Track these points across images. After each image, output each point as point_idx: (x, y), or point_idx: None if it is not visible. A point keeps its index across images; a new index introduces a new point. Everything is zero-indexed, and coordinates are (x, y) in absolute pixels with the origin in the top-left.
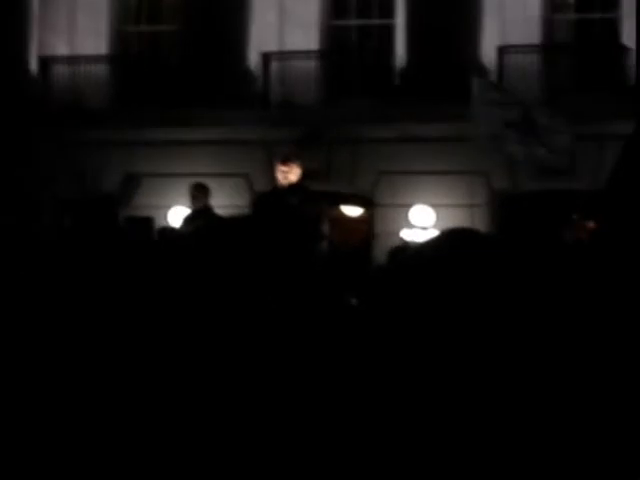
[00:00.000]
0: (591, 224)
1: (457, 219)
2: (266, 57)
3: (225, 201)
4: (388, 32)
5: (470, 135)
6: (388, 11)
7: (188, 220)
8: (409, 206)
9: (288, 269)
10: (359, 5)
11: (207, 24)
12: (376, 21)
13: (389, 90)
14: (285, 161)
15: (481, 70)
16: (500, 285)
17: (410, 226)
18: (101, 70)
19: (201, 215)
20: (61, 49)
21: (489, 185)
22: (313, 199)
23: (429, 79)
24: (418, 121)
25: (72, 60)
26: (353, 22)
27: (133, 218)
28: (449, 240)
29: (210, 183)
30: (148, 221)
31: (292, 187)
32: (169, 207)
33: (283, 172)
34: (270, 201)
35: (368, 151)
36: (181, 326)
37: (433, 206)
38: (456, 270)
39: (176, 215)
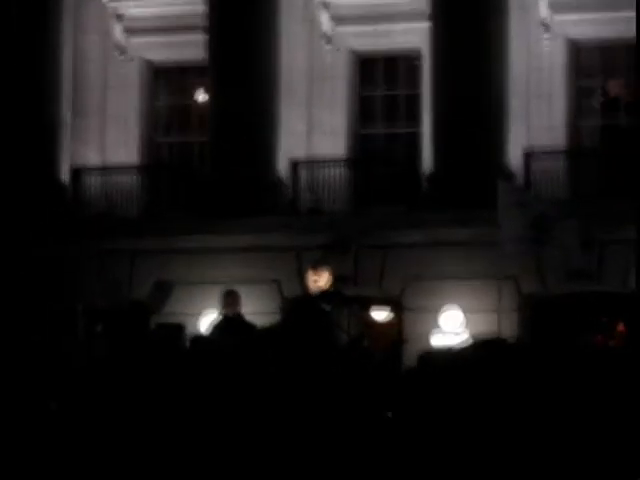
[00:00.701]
0: (621, 327)
1: (486, 323)
2: (295, 165)
3: (255, 307)
4: (415, 139)
5: (498, 239)
6: (414, 118)
7: (218, 327)
8: (438, 310)
9: (326, 381)
10: (385, 113)
11: (236, 134)
12: (403, 129)
13: (417, 196)
14: (315, 268)
15: (507, 175)
16: (525, 396)
17: (440, 330)
18: (132, 180)
19: (232, 322)
20: (93, 159)
21: (518, 289)
22: (345, 304)
23: (457, 184)
24: (446, 226)
25: (103, 170)
26: (380, 130)
27: (164, 325)
28: (478, 353)
29: (240, 289)
30: (179, 328)
31: (324, 293)
32: (200, 314)
33: (314, 279)
34: (303, 308)
35: (397, 256)
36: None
37: (462, 310)
38: (485, 389)
39: (207, 322)
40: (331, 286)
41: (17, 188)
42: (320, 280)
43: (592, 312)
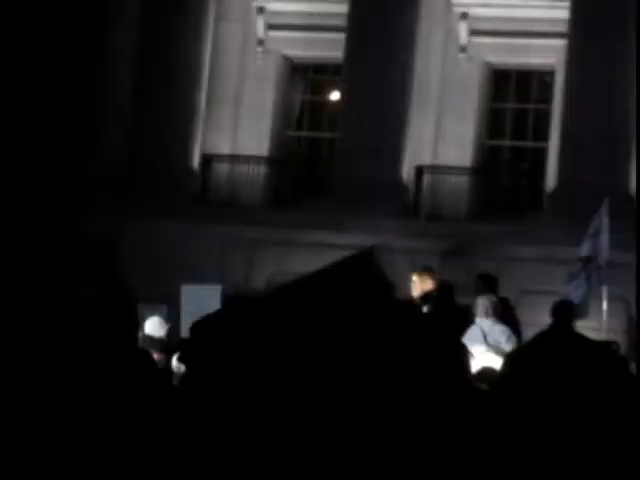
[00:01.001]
0: None
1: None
2: (420, 170)
3: None
4: (541, 154)
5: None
6: (542, 134)
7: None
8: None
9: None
10: (514, 127)
11: (365, 135)
12: (530, 143)
13: (537, 211)
14: (422, 272)
15: (628, 199)
16: None
17: None
18: (259, 170)
19: None
20: (224, 148)
21: (628, 310)
22: (444, 311)
23: (577, 203)
24: (562, 243)
25: (233, 159)
26: (507, 143)
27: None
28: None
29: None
30: None
31: (424, 297)
32: None
33: (419, 282)
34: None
35: (510, 269)
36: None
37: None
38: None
39: None
40: (433, 291)
41: (149, 170)
42: (422, 285)
43: None
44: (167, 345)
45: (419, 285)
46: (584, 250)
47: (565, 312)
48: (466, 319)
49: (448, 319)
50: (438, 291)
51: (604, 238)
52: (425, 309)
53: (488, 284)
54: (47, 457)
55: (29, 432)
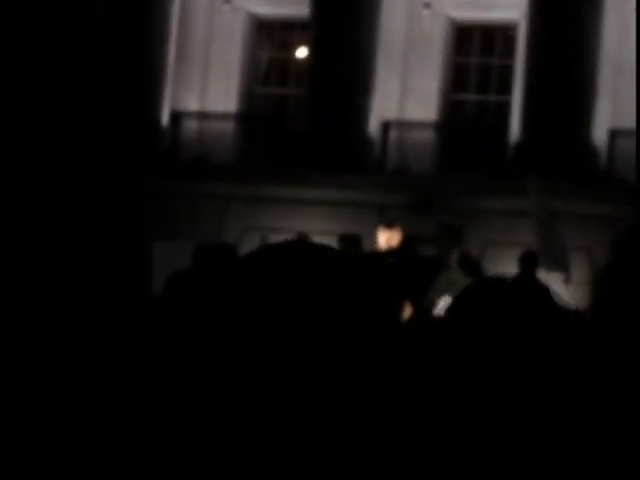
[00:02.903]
0: None
1: (558, 293)
2: (386, 125)
3: None
4: (505, 108)
5: (580, 211)
6: (506, 88)
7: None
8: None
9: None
10: (478, 81)
11: (332, 90)
12: (493, 97)
13: (502, 164)
14: (389, 225)
15: (591, 152)
16: None
17: None
18: (228, 127)
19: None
20: (192, 105)
21: (590, 261)
22: (416, 263)
23: (541, 156)
24: (528, 195)
25: (202, 116)
26: (471, 97)
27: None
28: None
29: (322, 241)
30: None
31: (392, 250)
32: None
33: (385, 236)
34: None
35: (477, 222)
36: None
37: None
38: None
39: None
40: (401, 244)
41: (117, 128)
42: (392, 238)
43: None
44: None
45: (387, 238)
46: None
47: (529, 262)
48: (433, 270)
49: (413, 270)
50: (402, 244)
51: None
52: (389, 260)
53: (451, 237)
54: (47, 457)
55: (29, 432)
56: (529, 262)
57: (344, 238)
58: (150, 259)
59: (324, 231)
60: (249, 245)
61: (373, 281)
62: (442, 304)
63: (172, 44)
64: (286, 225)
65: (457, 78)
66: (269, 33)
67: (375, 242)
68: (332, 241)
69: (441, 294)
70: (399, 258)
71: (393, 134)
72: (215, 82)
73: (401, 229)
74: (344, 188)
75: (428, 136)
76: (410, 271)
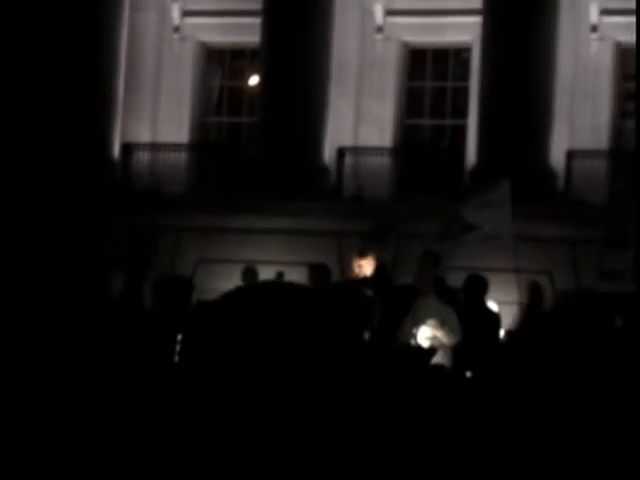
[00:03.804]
0: None
1: (522, 317)
2: (340, 152)
3: None
4: (460, 131)
5: (539, 235)
6: (461, 111)
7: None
8: None
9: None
10: (433, 105)
11: (285, 118)
12: (449, 121)
13: (459, 188)
14: (362, 254)
15: (549, 173)
16: None
17: None
18: (181, 157)
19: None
20: (143, 136)
21: (551, 283)
22: (386, 292)
23: (498, 178)
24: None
25: (153, 147)
26: (426, 121)
27: (205, 302)
28: None
29: (279, 270)
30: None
31: (366, 279)
32: None
33: (360, 265)
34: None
35: (435, 247)
36: None
37: (499, 303)
38: None
39: None
40: (375, 273)
41: (68, 161)
42: (366, 267)
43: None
44: None
45: (361, 266)
46: (471, 217)
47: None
48: (408, 297)
49: (389, 299)
50: (376, 272)
51: (505, 213)
52: (366, 291)
53: (429, 263)
54: (47, 456)
55: (29, 431)
56: (476, 287)
57: (313, 267)
58: (106, 292)
59: (281, 261)
60: (205, 276)
61: (342, 318)
62: (423, 333)
63: (121, 74)
64: (242, 256)
65: (412, 102)
66: (220, 61)
67: (350, 271)
68: (290, 270)
69: (419, 323)
70: (374, 287)
71: (348, 160)
72: (166, 112)
73: (374, 258)
74: (300, 216)
75: (384, 162)
76: (386, 300)
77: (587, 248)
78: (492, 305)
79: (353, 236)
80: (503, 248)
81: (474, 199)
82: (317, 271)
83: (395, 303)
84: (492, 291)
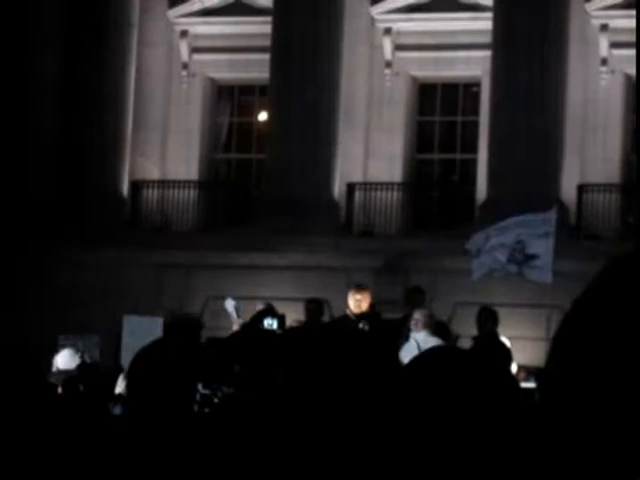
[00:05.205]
0: None
1: (534, 352)
2: (350, 187)
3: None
4: (471, 166)
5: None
6: (471, 145)
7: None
8: None
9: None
10: (442, 140)
11: (294, 154)
12: (459, 155)
13: (469, 223)
14: (359, 289)
15: (560, 206)
16: None
17: None
18: (190, 194)
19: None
20: (152, 173)
21: None
22: (384, 327)
23: (510, 213)
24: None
25: (162, 184)
26: (436, 156)
27: (214, 340)
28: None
29: (290, 307)
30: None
31: (363, 314)
32: None
33: (357, 300)
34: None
35: (447, 281)
36: None
37: (510, 338)
38: None
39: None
40: (371, 308)
41: (76, 198)
42: (363, 301)
43: None
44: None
45: (358, 300)
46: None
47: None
48: (400, 333)
49: (383, 334)
50: (371, 307)
51: (549, 243)
52: (363, 325)
53: (414, 297)
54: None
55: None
56: (488, 319)
57: (309, 302)
58: (116, 331)
59: (292, 297)
60: (214, 314)
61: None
62: None
63: (130, 111)
64: (252, 292)
65: (421, 137)
66: (228, 98)
67: (346, 306)
68: (299, 306)
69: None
70: (369, 322)
71: (358, 196)
72: (175, 149)
73: (370, 292)
74: (310, 253)
75: (394, 197)
76: (380, 335)
77: None
78: (505, 340)
79: (363, 271)
80: (543, 280)
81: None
82: (313, 306)
83: (389, 338)
84: (502, 326)
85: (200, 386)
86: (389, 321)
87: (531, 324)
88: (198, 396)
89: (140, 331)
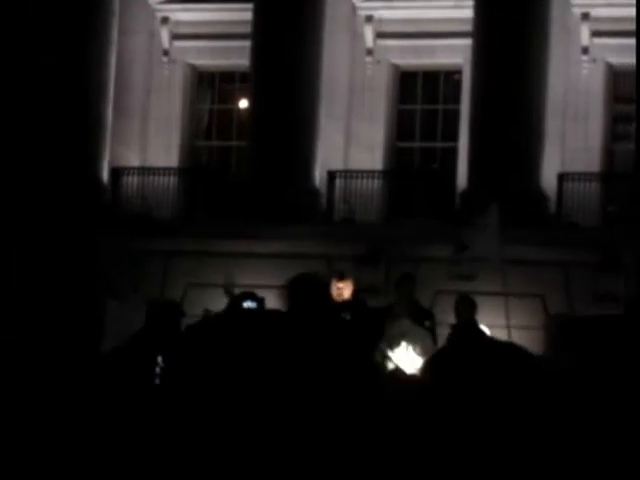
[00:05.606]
0: None
1: (513, 339)
2: (331, 175)
3: None
4: (451, 154)
5: (531, 259)
6: (452, 134)
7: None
8: None
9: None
10: (423, 128)
11: (275, 141)
12: (440, 143)
13: (450, 211)
14: (341, 277)
15: (541, 196)
16: None
17: None
18: (170, 182)
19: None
20: (133, 160)
21: (544, 307)
22: (366, 315)
23: (489, 202)
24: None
25: (143, 171)
26: (417, 144)
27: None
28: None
29: (270, 295)
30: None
31: (346, 303)
32: None
33: (339, 288)
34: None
35: (427, 269)
36: None
37: (489, 326)
38: None
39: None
40: (353, 296)
41: (57, 185)
42: (345, 289)
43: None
44: None
45: (341, 290)
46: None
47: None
48: (383, 321)
49: (366, 324)
50: (353, 296)
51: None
52: (345, 315)
53: (406, 284)
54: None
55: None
56: (466, 307)
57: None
58: (97, 316)
59: (273, 285)
60: (194, 301)
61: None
62: (398, 355)
63: (110, 98)
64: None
65: (402, 125)
66: (209, 85)
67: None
68: (276, 295)
69: (394, 345)
70: (351, 311)
71: (339, 184)
72: (155, 136)
73: (353, 280)
74: (290, 240)
75: (374, 185)
76: (363, 324)
77: (580, 271)
78: (484, 328)
79: (344, 259)
80: (490, 271)
81: (467, 221)
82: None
83: (371, 326)
84: (482, 314)
85: (160, 359)
86: (374, 309)
87: (510, 312)
88: (158, 369)
89: (122, 314)
